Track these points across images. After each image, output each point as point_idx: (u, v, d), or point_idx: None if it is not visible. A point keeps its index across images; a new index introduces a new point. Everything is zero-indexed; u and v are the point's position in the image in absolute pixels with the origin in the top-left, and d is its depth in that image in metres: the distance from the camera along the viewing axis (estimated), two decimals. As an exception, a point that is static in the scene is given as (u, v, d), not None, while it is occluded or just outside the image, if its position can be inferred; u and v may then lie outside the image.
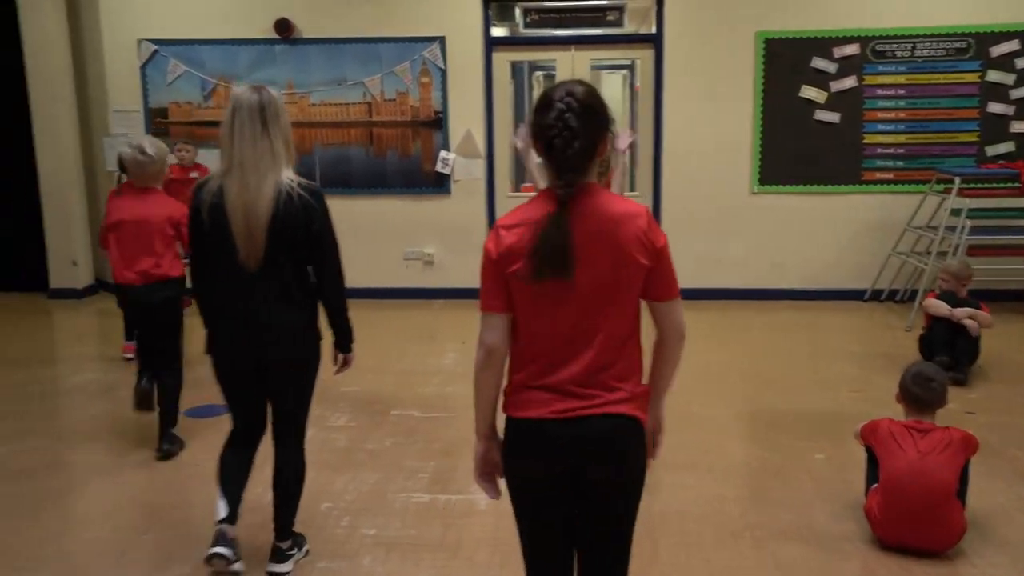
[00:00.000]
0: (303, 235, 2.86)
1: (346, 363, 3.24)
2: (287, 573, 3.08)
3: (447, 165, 7.78)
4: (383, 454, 4.23)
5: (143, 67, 7.87)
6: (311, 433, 4.20)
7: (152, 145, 4.18)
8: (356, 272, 8.13)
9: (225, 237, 2.81)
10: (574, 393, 1.95)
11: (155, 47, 7.81)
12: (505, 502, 3.61)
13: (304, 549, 3.23)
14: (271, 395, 3.08)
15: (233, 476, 3.11)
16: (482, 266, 2.00)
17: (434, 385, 5.35)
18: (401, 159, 7.89)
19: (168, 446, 4.22)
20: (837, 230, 7.59)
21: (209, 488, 3.79)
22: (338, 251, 3.00)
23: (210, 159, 7.42)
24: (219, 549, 2.96)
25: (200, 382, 5.30)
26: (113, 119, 7.98)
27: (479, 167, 7.83)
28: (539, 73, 10.04)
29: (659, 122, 7.67)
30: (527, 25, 7.86)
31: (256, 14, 7.69)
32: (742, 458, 4.16)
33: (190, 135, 7.83)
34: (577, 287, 1.91)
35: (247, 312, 2.89)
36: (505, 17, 7.97)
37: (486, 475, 2.17)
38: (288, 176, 2.85)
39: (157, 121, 7.92)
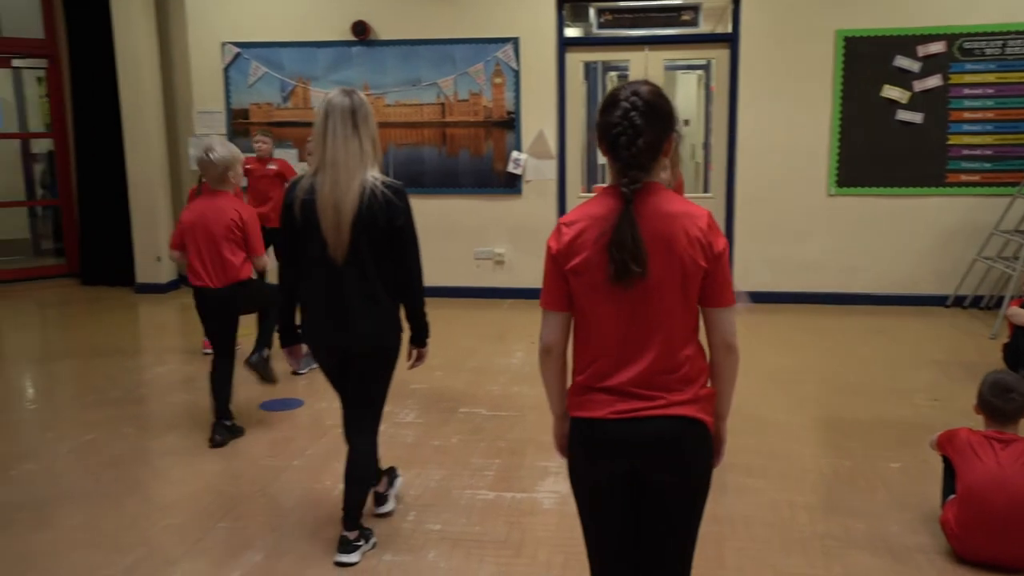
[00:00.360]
0: (386, 230, 2.99)
1: (420, 358, 3.34)
2: (355, 563, 3.14)
3: (519, 165, 7.82)
4: (450, 451, 4.28)
5: (226, 69, 8.11)
6: (380, 428, 4.29)
7: (222, 146, 4.29)
8: (427, 271, 8.23)
9: (315, 231, 2.98)
10: (636, 394, 1.95)
11: (237, 50, 8.04)
12: (570, 503, 3.63)
13: (372, 541, 3.30)
14: (351, 383, 3.22)
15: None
16: (544, 262, 2.03)
17: (501, 384, 5.38)
18: (473, 159, 7.95)
19: (219, 437, 4.35)
20: (918, 233, 7.37)
21: (281, 480, 3.91)
22: (418, 248, 3.13)
23: (288, 158, 7.62)
24: (342, 558, 3.19)
25: (284, 378, 5.48)
26: (197, 120, 8.25)
27: (550, 167, 7.84)
28: (613, 73, 10.02)
29: (733, 123, 7.56)
30: (601, 25, 7.84)
31: (334, 16, 7.85)
32: (813, 464, 4.08)
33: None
34: (639, 287, 1.91)
35: (332, 303, 3.05)
36: (579, 18, 7.96)
37: (565, 448, 2.21)
38: (373, 174, 2.99)
39: (238, 122, 8.15)
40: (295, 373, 5.57)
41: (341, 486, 3.75)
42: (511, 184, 7.89)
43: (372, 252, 3.01)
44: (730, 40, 7.55)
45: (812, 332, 6.57)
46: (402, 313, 3.20)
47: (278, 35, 7.97)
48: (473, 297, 7.95)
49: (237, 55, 8.06)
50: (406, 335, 3.25)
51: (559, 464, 4.05)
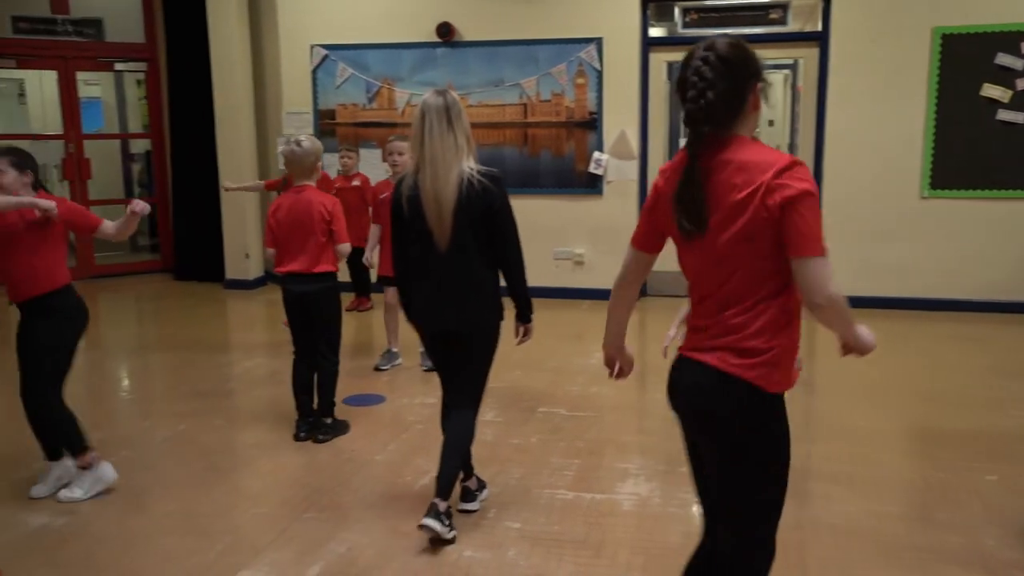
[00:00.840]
0: (485, 215, 3.22)
1: (526, 333, 3.55)
2: (435, 529, 3.26)
3: (600, 166, 7.79)
4: (529, 450, 4.29)
5: (314, 71, 8.30)
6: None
7: (308, 139, 4.39)
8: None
9: (421, 222, 3.24)
10: (704, 343, 2.03)
11: (325, 52, 8.23)
12: (650, 505, 3.60)
13: (486, 491, 3.71)
14: (455, 362, 3.44)
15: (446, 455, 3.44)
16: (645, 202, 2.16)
17: (580, 384, 5.37)
18: (554, 159, 7.96)
19: (323, 436, 4.43)
20: (1017, 238, 7.07)
21: (363, 474, 3.98)
22: (516, 229, 3.35)
23: (371, 159, 7.77)
24: (465, 506, 3.57)
25: (359, 372, 5.59)
26: (286, 120, 8.47)
27: (632, 168, 7.80)
28: None
29: (821, 123, 7.40)
30: (686, 25, 7.75)
31: (419, 18, 7.96)
32: (903, 474, 3.95)
33: (355, 136, 8.22)
34: (706, 238, 1.95)
35: (438, 287, 3.30)
36: (663, 17, 7.88)
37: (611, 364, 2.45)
38: (469, 165, 3.21)
39: (325, 122, 8.33)
40: (377, 369, 5.67)
41: (423, 481, 3.85)
42: (592, 184, 7.87)
43: (473, 238, 3.24)
44: (820, 39, 7.38)
45: (902, 338, 6.36)
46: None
47: (365, 37, 8.12)
48: (552, 297, 7.94)
49: (325, 57, 8.24)
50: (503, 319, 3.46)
51: (639, 466, 4.05)
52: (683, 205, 1.93)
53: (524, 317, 3.50)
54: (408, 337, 5.71)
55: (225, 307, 8.24)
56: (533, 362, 5.80)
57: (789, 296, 1.95)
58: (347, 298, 7.65)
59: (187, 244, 9.34)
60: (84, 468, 3.79)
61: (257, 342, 6.71)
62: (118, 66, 9.56)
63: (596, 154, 7.79)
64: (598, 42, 7.65)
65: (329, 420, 4.51)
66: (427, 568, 3.12)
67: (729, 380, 1.95)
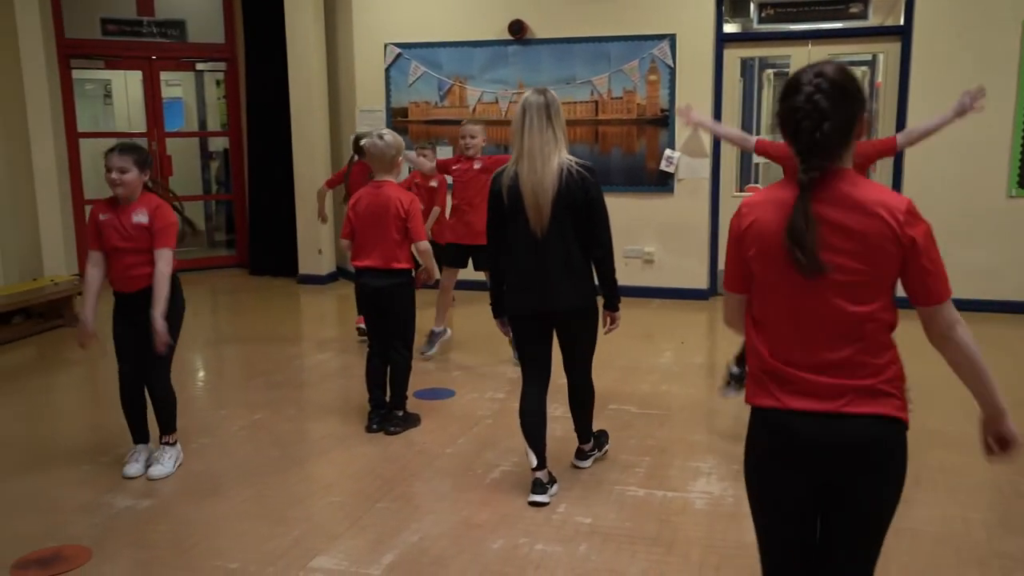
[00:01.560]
0: (582, 204, 3.43)
1: (613, 322, 3.75)
2: (587, 467, 3.89)
3: (671, 163, 7.71)
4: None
5: (387, 69, 8.40)
6: (515, 419, 4.32)
7: (390, 133, 4.45)
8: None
9: (520, 211, 3.45)
10: (813, 390, 1.86)
11: (399, 50, 8.32)
12: (723, 504, 3.55)
13: (604, 449, 4.06)
14: (561, 341, 3.71)
15: (534, 429, 3.68)
16: (727, 243, 2.02)
17: (651, 383, 5.33)
18: (625, 157, 7.90)
19: (394, 428, 4.48)
20: (1112, 240, 6.77)
21: (434, 466, 4.01)
22: (608, 219, 3.57)
23: (444, 156, 7.80)
24: (536, 498, 3.60)
25: (429, 367, 5.63)
26: (359, 118, 8.58)
27: (704, 166, 7.70)
28: (770, 71, 9.71)
29: (902, 120, 7.17)
30: (761, 20, 7.62)
31: (491, 16, 7.98)
32: (989, 479, 3.81)
33: (427, 133, 8.29)
34: (820, 279, 1.81)
35: (535, 271, 3.50)
36: (738, 13, 7.76)
37: None
38: (566, 157, 3.43)
39: (397, 120, 8.42)
40: (422, 355, 5.69)
41: (493, 475, 3.86)
42: (663, 182, 7.79)
43: (570, 225, 3.45)
44: (901, 33, 7.18)
45: (988, 342, 6.11)
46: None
47: (437, 35, 8.19)
48: (621, 296, 7.89)
49: (398, 55, 8.33)
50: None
51: (711, 465, 3.99)
52: (799, 242, 1.78)
53: (612, 306, 3.70)
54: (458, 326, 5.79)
55: (298, 301, 8.41)
56: (603, 360, 5.68)
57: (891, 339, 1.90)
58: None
59: (262, 239, 9.55)
60: (170, 444, 3.99)
61: (328, 336, 6.83)
62: (199, 66, 9.81)
63: (667, 152, 7.72)
64: (671, 39, 7.57)
65: (401, 413, 4.56)
66: (498, 560, 3.13)
67: (887, 422, 1.86)
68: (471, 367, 5.70)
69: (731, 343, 6.27)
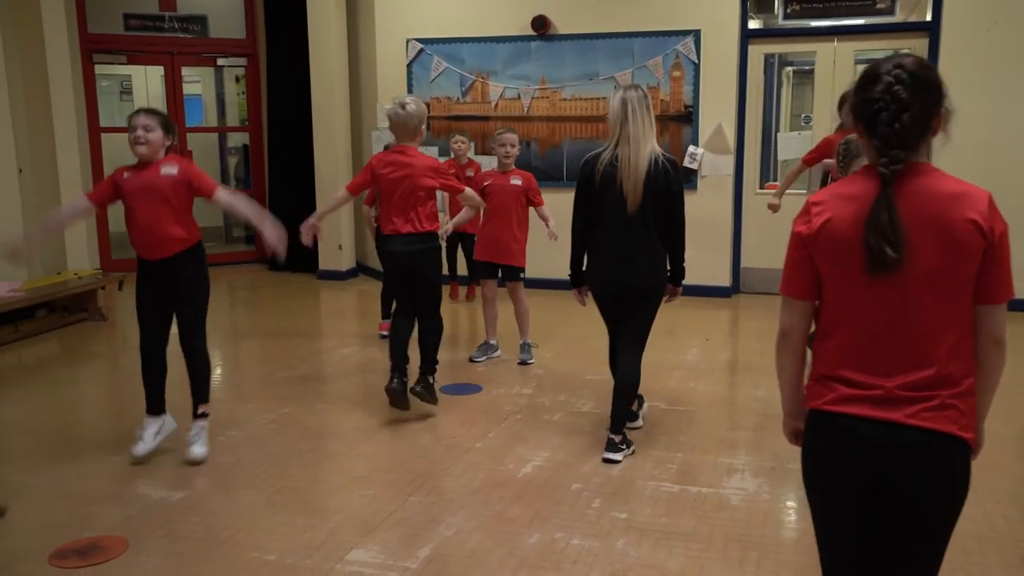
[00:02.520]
0: (665, 190, 3.86)
1: (674, 294, 4.16)
2: (618, 462, 3.92)
3: (695, 160, 7.67)
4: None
5: (409, 65, 8.38)
6: (558, 416, 4.33)
7: (413, 101, 4.45)
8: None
9: (613, 192, 3.83)
10: (891, 398, 1.79)
11: (421, 46, 8.30)
12: (759, 500, 3.52)
13: (631, 448, 4.05)
14: (623, 313, 4.04)
15: (620, 391, 4.02)
16: (789, 246, 1.93)
17: (677, 379, 5.30)
18: (648, 154, 7.85)
19: (420, 389, 4.50)
20: None
21: (465, 460, 4.00)
22: (684, 207, 3.96)
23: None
24: (609, 455, 3.96)
25: (457, 363, 5.62)
26: (380, 114, 8.56)
27: (727, 163, 7.66)
28: (789, 68, 9.66)
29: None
30: (787, 16, 7.57)
31: (515, 12, 7.96)
32: (1029, 480, 3.77)
33: (448, 129, 8.26)
34: (899, 275, 1.75)
35: (620, 249, 3.91)
36: (763, 8, 7.72)
37: (795, 440, 2.10)
38: (655, 147, 3.87)
39: (419, 116, 8.39)
40: (472, 360, 5.69)
41: (525, 470, 3.84)
42: (686, 179, 7.71)
43: (653, 209, 3.86)
44: (929, 28, 7.12)
45: (1019, 340, 6.07)
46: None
47: (460, 31, 8.16)
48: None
49: (420, 51, 8.32)
50: None
51: (743, 462, 3.96)
52: (883, 236, 1.73)
53: (677, 281, 4.12)
54: (511, 329, 5.77)
55: (318, 297, 8.41)
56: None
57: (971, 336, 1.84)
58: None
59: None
60: (204, 416, 4.04)
61: (350, 331, 6.82)
62: (220, 61, 9.83)
63: (691, 148, 7.68)
64: (696, 34, 7.53)
65: (431, 379, 4.56)
66: (535, 554, 3.11)
67: (954, 442, 1.80)
68: (498, 363, 5.68)
69: (756, 340, 6.25)
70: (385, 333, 6.32)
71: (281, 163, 9.48)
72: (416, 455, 4.10)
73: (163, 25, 9.36)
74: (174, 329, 4.04)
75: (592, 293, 4.11)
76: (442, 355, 4.99)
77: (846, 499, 1.90)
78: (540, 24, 7.86)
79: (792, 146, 7.80)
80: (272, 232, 3.92)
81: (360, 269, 9.22)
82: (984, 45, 6.87)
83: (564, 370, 5.49)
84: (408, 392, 4.48)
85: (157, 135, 3.75)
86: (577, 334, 6.44)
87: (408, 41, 8.34)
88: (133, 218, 3.82)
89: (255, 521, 3.39)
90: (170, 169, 3.78)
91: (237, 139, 11.50)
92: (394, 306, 4.78)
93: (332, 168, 8.80)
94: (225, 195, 3.92)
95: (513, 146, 5.60)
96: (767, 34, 7.71)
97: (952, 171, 6.17)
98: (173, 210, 3.79)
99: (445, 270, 7.57)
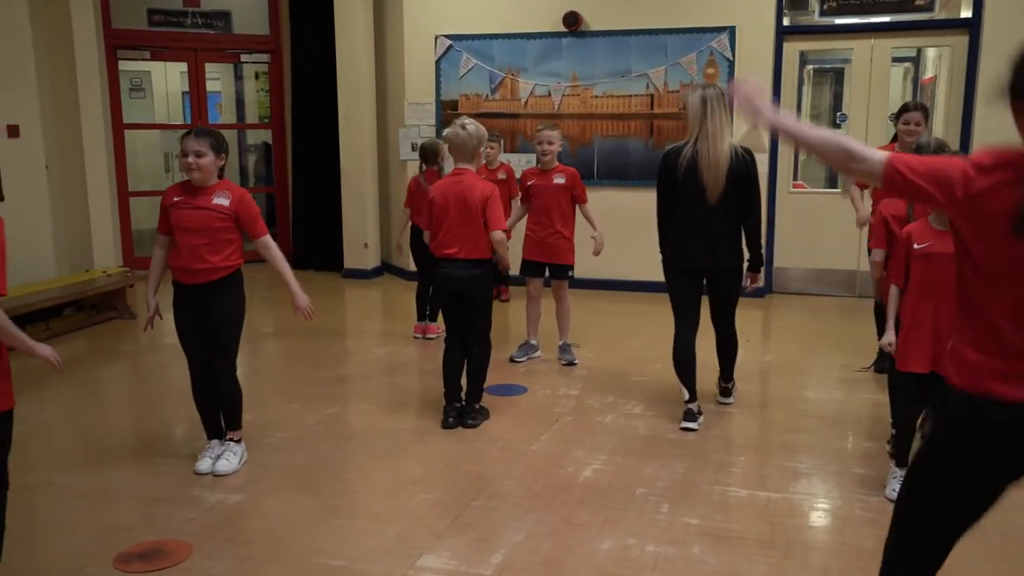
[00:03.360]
0: (743, 180, 4.16)
1: (754, 281, 4.45)
2: (730, 403, 4.72)
3: (729, 158, 7.57)
4: (687, 444, 4.16)
5: (438, 61, 8.29)
6: (609, 419, 4.24)
7: (472, 123, 4.34)
8: (627, 264, 8.08)
9: (695, 183, 4.12)
10: None
11: (450, 42, 8.22)
12: (829, 508, 3.42)
13: (733, 395, 4.76)
14: (711, 295, 4.44)
15: (688, 367, 4.38)
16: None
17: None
18: (681, 152, 7.76)
19: (472, 421, 4.40)
20: None
21: (522, 464, 3.91)
22: (760, 197, 4.29)
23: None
24: (687, 424, 4.35)
25: (496, 363, 5.52)
26: (408, 111, 8.49)
27: (762, 161, 7.51)
28: (809, 67, 9.52)
29: (969, 117, 7.03)
30: (823, 13, 7.48)
31: (546, 8, 7.88)
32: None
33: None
34: None
35: (703, 234, 4.21)
36: (798, 5, 7.62)
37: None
38: (733, 141, 4.14)
39: (447, 113, 8.32)
40: (512, 360, 5.60)
41: (586, 473, 3.76)
42: (720, 178, 7.65)
43: (733, 197, 4.14)
44: (970, 25, 7.03)
45: None
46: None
47: (489, 27, 8.08)
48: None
49: (449, 47, 8.23)
50: None
51: (808, 465, 3.87)
52: None
53: (755, 268, 4.43)
54: (547, 328, 5.69)
55: (344, 296, 8.32)
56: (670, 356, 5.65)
57: None
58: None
59: (306, 233, 9.48)
60: (235, 441, 3.90)
61: (382, 330, 6.75)
62: (244, 58, 9.74)
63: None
64: (731, 31, 7.45)
65: (477, 406, 4.47)
66: (611, 561, 3.02)
67: None
68: (539, 363, 5.60)
69: (795, 340, 6.15)
70: (419, 335, 6.26)
71: (305, 161, 9.41)
72: (471, 457, 4.01)
73: (186, 21, 9.28)
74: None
75: (671, 270, 4.37)
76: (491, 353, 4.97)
77: (973, 484, 1.85)
78: (572, 20, 7.77)
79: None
80: (301, 298, 3.84)
81: (385, 268, 9.13)
82: (1026, 42, 6.76)
83: (607, 371, 5.41)
84: (465, 425, 4.41)
85: (209, 160, 3.62)
86: (613, 334, 6.36)
87: (437, 37, 8.25)
88: (176, 243, 3.71)
89: (317, 525, 3.31)
90: (222, 199, 3.65)
91: (257, 137, 11.43)
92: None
93: (358, 167, 8.72)
94: (270, 244, 3.77)
95: (551, 143, 5.45)
96: (803, 31, 7.62)
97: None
98: (217, 240, 3.65)
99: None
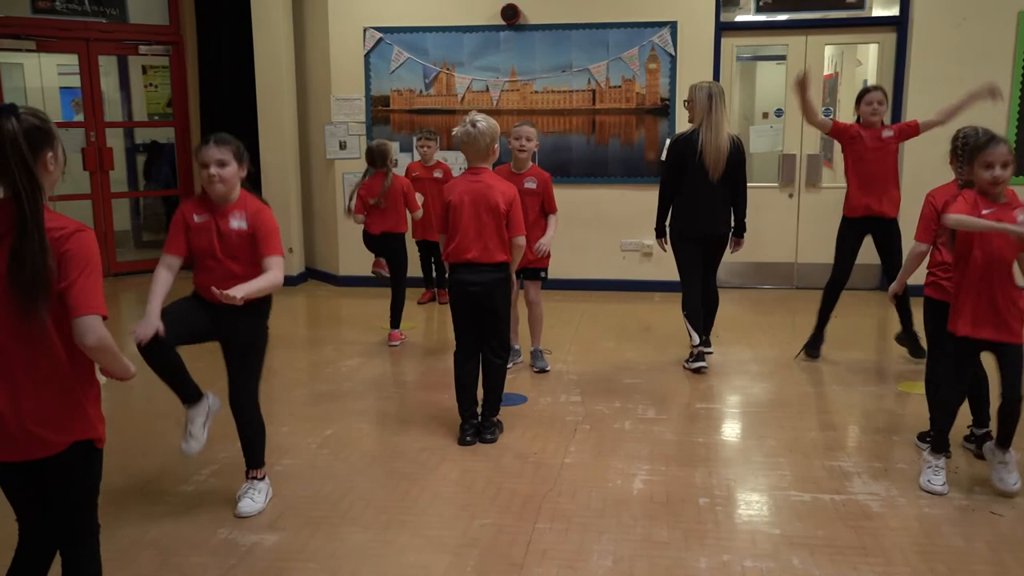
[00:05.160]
0: (738, 163, 5.08)
1: (738, 245, 5.38)
2: (711, 352, 5.52)
3: (673, 154, 7.55)
4: (721, 448, 4.06)
5: (367, 55, 7.88)
6: (627, 425, 4.08)
7: (483, 119, 4.04)
8: (572, 263, 7.90)
9: (700, 164, 5.02)
10: None
11: (380, 35, 7.83)
12: (897, 507, 3.36)
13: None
14: (707, 255, 5.28)
15: (698, 315, 5.24)
16: None
17: (715, 381, 5.14)
18: (623, 147, 7.71)
19: (490, 436, 4.13)
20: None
21: (565, 479, 3.73)
22: (746, 177, 5.19)
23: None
24: (701, 364, 5.24)
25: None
26: (335, 107, 8.03)
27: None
28: (736, 63, 9.67)
29: (898, 111, 7.28)
30: (759, 9, 7.57)
31: (482, 0, 7.61)
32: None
33: (411, 123, 7.85)
34: None
35: (707, 205, 5.12)
36: (729, 1, 7.67)
37: None
38: (730, 131, 5.08)
39: (378, 109, 7.93)
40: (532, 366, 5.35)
41: (636, 485, 3.57)
42: (660, 173, 7.62)
43: (729, 175, 5.05)
44: (898, 23, 7.28)
45: None
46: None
47: (423, 19, 7.74)
48: (619, 290, 7.73)
49: (379, 40, 7.84)
50: None
51: (852, 463, 3.83)
52: None
53: (740, 234, 5.32)
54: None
55: (270, 304, 7.76)
56: (651, 359, 5.56)
57: None
58: (417, 292, 7.30)
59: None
60: (261, 479, 3.48)
61: (343, 339, 6.31)
62: (142, 49, 8.96)
63: (668, 141, 7.53)
64: (672, 26, 7.42)
65: (495, 419, 4.20)
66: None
67: None
68: (521, 369, 5.35)
69: (791, 334, 6.17)
70: (395, 343, 5.91)
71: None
72: (507, 476, 3.73)
73: (76, 7, 8.46)
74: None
75: (680, 239, 5.21)
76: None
77: None
78: (511, 13, 7.54)
79: (765, 139, 7.82)
80: (238, 290, 3.03)
81: (310, 273, 8.64)
82: (951, 39, 7.07)
83: (595, 374, 5.24)
84: (484, 440, 4.14)
85: (232, 169, 3.19)
86: (582, 336, 6.22)
87: (366, 30, 7.84)
88: (196, 266, 3.31)
89: (383, 563, 2.97)
90: (239, 223, 3.21)
91: (146, 135, 10.58)
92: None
93: (280, 165, 8.19)
94: (273, 266, 3.22)
95: (529, 140, 5.15)
96: (740, 27, 7.69)
97: (923, 163, 6.33)
98: (239, 266, 3.23)
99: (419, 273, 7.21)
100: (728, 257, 7.99)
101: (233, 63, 8.38)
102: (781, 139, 7.75)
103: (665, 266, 7.58)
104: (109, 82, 10.60)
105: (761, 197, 7.84)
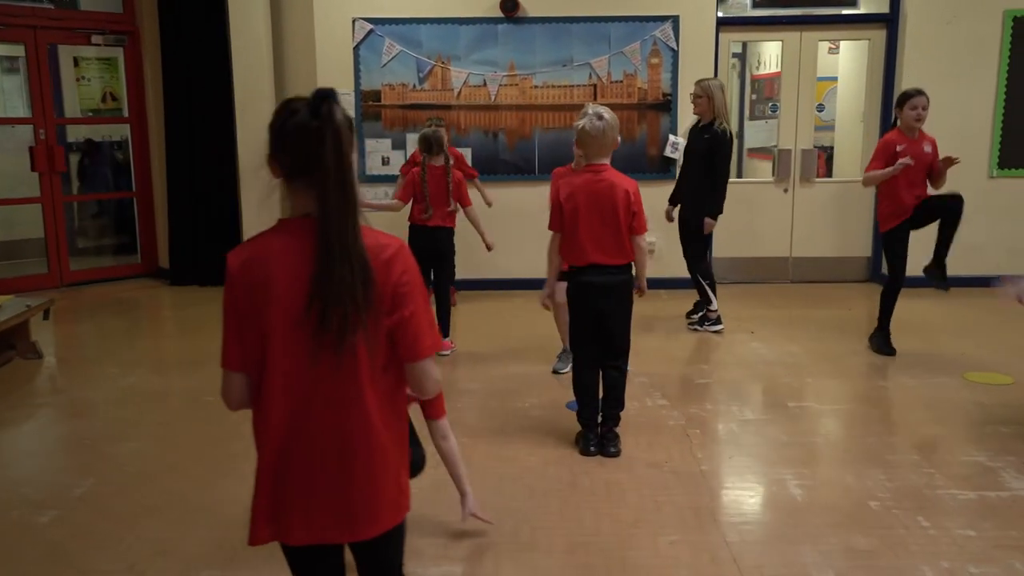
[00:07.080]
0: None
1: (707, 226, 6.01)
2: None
3: (676, 149, 7.49)
4: (841, 445, 3.99)
5: (356, 47, 7.48)
6: (733, 426, 3.92)
7: (607, 111, 3.82)
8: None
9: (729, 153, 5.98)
10: None
11: (370, 26, 7.43)
12: None
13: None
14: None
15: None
16: None
17: (789, 377, 5.08)
18: (625, 143, 7.50)
19: (614, 449, 3.91)
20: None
21: (724, 488, 3.55)
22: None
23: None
24: (719, 327, 6.13)
25: (536, 376, 5.01)
26: (320, 102, 7.56)
27: (705, 152, 7.56)
28: (734, 60, 9.72)
29: (888, 108, 7.44)
30: (755, 4, 7.59)
31: (481, -9, 7.34)
32: None
33: (403, 119, 7.51)
34: None
35: (686, 187, 6.23)
36: (725, -4, 7.68)
37: None
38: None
39: (369, 104, 7.54)
40: (556, 372, 5.13)
41: (796, 491, 3.47)
42: (664, 169, 7.56)
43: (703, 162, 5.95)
44: (888, 20, 7.44)
45: (976, 312, 6.59)
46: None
47: (418, 11, 7.40)
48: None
49: (370, 32, 7.44)
50: None
51: (988, 456, 3.85)
52: None
53: (712, 215, 6.04)
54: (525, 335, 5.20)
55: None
56: (699, 356, 5.46)
57: None
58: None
59: (185, 244, 8.20)
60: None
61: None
62: (95, 39, 8.22)
63: (672, 137, 7.50)
64: (674, 20, 7.35)
65: (617, 429, 3.98)
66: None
67: None
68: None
69: (820, 329, 6.16)
70: (446, 352, 5.59)
71: (184, 160, 8.09)
72: (658, 488, 3.51)
73: (21, -6, 7.68)
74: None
75: (713, 218, 6.07)
76: (514, 367, 4.94)
77: None
78: (510, 6, 7.30)
79: (760, 135, 7.87)
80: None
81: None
82: (941, 37, 7.27)
83: (663, 376, 5.09)
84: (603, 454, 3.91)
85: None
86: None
87: (355, 21, 7.42)
88: None
89: (599, 595, 2.72)
90: None
91: (82, 132, 9.76)
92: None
93: (261, 163, 7.63)
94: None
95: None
96: (735, 22, 7.69)
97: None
98: None
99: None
100: (722, 252, 8.17)
101: (203, 55, 7.78)
102: (774, 136, 7.80)
103: (671, 264, 7.55)
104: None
105: (756, 192, 7.89)
